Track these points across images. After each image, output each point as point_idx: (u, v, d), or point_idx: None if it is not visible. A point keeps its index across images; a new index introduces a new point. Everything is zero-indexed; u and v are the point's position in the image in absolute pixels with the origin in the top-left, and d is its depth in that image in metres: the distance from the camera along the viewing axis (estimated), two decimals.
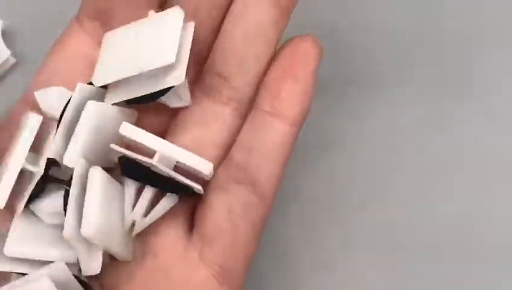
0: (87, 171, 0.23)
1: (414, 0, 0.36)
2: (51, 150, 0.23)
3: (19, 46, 0.37)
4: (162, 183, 0.23)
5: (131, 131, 0.23)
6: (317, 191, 0.34)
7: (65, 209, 0.22)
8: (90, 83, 0.25)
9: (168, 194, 0.24)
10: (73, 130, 0.23)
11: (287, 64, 0.26)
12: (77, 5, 0.29)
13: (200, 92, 0.27)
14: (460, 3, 0.36)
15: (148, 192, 0.23)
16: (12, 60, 0.36)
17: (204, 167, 0.23)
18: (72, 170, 0.23)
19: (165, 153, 0.23)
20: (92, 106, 0.23)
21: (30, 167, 0.24)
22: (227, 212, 0.25)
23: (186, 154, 0.23)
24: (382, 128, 0.35)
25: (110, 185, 0.23)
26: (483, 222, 0.33)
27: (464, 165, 0.34)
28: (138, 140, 0.23)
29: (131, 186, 0.23)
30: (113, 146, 0.23)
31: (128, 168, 0.23)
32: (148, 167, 0.23)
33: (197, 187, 0.23)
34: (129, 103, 0.25)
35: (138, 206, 0.23)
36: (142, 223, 0.23)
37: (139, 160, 0.23)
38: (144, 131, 0.23)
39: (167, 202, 0.24)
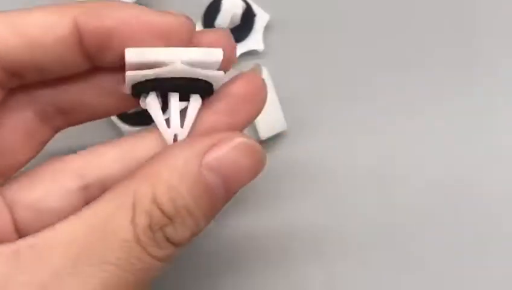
0: None
1: None
2: None
3: None
4: (184, 88, 0.23)
5: (137, 54, 0.22)
6: None
7: None
8: None
9: (191, 98, 0.23)
10: None
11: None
12: None
13: None
14: None
15: (175, 102, 0.23)
16: None
17: (214, 55, 0.23)
18: None
19: (184, 59, 0.23)
20: None
21: None
22: None
23: (199, 52, 0.23)
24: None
25: None
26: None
27: None
28: (149, 59, 0.22)
29: (175, 100, 0.23)
30: (128, 73, 0.23)
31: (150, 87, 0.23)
32: (161, 78, 0.23)
33: (218, 74, 0.23)
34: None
35: (174, 117, 0.23)
36: (183, 132, 0.23)
37: (159, 75, 0.23)
38: (149, 48, 0.23)
39: (194, 105, 0.23)
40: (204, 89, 0.23)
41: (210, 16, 0.34)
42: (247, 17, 0.34)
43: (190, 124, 0.23)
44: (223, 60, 0.23)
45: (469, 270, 0.33)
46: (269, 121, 0.32)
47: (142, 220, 0.21)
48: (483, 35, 0.36)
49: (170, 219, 0.21)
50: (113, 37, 0.22)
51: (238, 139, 0.22)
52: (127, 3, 0.23)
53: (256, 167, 0.23)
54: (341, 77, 0.35)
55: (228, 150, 0.22)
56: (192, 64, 0.23)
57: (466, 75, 0.36)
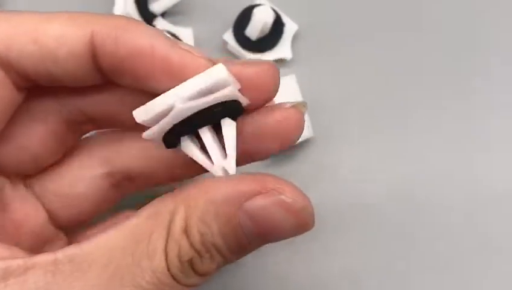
0: None
1: None
2: None
3: (10, 9, 0.36)
4: (211, 118, 0.22)
5: (145, 112, 0.21)
6: None
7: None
8: None
9: (222, 124, 0.22)
10: None
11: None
12: None
13: None
14: None
15: (206, 137, 0.22)
16: None
17: (215, 75, 0.21)
18: None
19: (184, 96, 0.21)
20: None
21: None
22: None
23: (196, 81, 0.21)
24: None
25: None
26: None
27: None
28: (156, 112, 0.21)
29: (206, 135, 0.22)
30: (145, 136, 0.22)
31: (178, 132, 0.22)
32: (189, 116, 0.21)
33: (243, 99, 0.22)
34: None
35: (212, 152, 0.22)
36: (229, 164, 0.22)
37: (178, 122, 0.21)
38: (151, 101, 0.21)
39: (228, 130, 0.22)
40: (229, 109, 0.22)
41: (241, 25, 0.35)
42: (277, 27, 0.35)
43: (233, 152, 0.22)
44: (264, 92, 0.22)
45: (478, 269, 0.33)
46: None
47: (173, 250, 0.21)
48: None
49: (198, 252, 0.21)
50: (125, 65, 0.22)
51: (282, 197, 0.21)
52: (148, 27, 0.22)
53: (300, 227, 0.21)
54: (367, 85, 0.36)
55: (269, 204, 0.21)
56: (199, 95, 0.21)
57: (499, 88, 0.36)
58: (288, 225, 0.21)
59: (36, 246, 0.25)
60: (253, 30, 0.34)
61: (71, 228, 0.27)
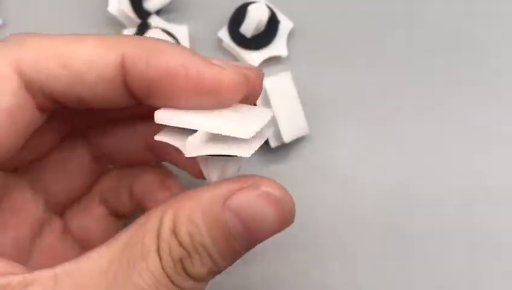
0: None
1: None
2: None
3: (6, 7, 0.36)
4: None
5: (162, 117, 0.21)
6: None
7: None
8: None
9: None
10: None
11: None
12: None
13: None
14: None
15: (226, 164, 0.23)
16: None
17: (241, 132, 0.21)
18: None
19: (210, 132, 0.21)
20: None
21: None
22: None
23: (221, 127, 0.21)
24: None
25: None
26: None
27: None
28: (177, 124, 0.22)
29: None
30: (157, 138, 0.22)
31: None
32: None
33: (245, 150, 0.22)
34: None
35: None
36: None
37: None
38: (179, 111, 0.22)
39: (234, 164, 0.23)
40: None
41: (236, 22, 0.35)
42: (272, 24, 0.35)
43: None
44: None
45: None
46: (292, 125, 0.33)
47: (164, 250, 0.21)
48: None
49: (188, 252, 0.21)
50: (157, 87, 0.22)
51: (264, 189, 0.21)
52: (178, 46, 0.22)
53: (281, 220, 0.22)
54: (363, 82, 0.36)
55: (251, 197, 0.21)
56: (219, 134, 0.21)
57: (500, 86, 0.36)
58: (271, 217, 0.21)
59: (33, 234, 0.26)
60: (248, 27, 0.34)
61: (65, 206, 0.27)
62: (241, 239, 0.21)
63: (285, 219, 0.22)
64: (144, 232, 0.21)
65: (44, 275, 0.21)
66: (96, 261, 0.21)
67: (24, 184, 0.26)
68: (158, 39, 0.23)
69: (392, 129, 0.35)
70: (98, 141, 0.27)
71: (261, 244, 0.22)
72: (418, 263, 0.33)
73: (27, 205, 0.26)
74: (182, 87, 0.22)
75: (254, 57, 0.35)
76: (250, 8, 0.34)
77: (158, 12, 0.35)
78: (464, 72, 0.36)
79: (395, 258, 0.33)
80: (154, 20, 0.34)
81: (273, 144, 0.33)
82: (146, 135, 0.27)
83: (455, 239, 0.33)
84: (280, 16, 0.35)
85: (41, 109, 0.23)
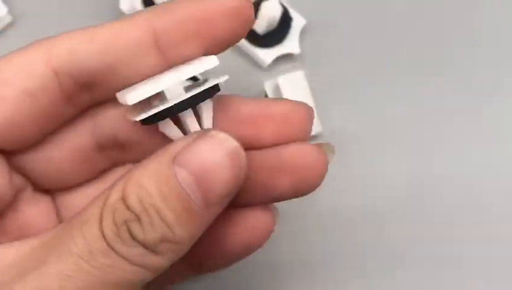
0: None
1: None
2: None
3: (17, 4, 0.35)
4: (195, 102, 0.22)
5: (135, 95, 0.21)
6: None
7: None
8: None
9: (202, 107, 0.23)
10: None
11: None
12: None
13: None
14: None
15: (190, 117, 0.22)
16: (9, 18, 0.35)
17: (210, 64, 0.22)
18: None
19: (172, 85, 0.22)
20: None
21: None
22: None
23: (188, 69, 0.22)
24: None
25: None
26: None
27: None
28: (145, 96, 0.22)
29: (189, 117, 0.22)
30: (132, 118, 0.22)
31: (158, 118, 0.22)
32: (173, 105, 0.22)
33: (221, 80, 0.22)
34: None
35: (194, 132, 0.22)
36: None
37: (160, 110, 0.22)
38: (141, 83, 0.22)
39: (207, 112, 0.23)
40: (210, 91, 0.22)
41: None
42: (284, 21, 0.35)
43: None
44: (301, 132, 0.22)
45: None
46: None
47: (107, 215, 0.20)
48: None
49: (136, 215, 0.20)
50: (190, 32, 0.22)
51: (210, 133, 0.21)
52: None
53: (233, 167, 0.20)
54: (377, 80, 0.35)
55: (200, 147, 0.20)
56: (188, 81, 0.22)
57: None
58: (223, 165, 0.20)
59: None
60: (261, 25, 0.34)
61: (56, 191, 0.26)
62: (195, 194, 0.20)
63: (239, 167, 0.21)
64: (91, 203, 0.21)
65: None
66: (41, 235, 0.21)
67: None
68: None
69: (406, 129, 0.35)
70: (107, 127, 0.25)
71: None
72: (436, 264, 0.33)
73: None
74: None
75: (266, 55, 0.34)
76: (262, 5, 0.33)
77: None
78: (480, 69, 0.36)
79: (405, 258, 0.33)
80: None
81: None
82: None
83: (471, 239, 0.33)
84: (292, 13, 0.35)
85: (68, 97, 0.22)
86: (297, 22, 0.35)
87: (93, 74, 0.22)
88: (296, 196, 0.23)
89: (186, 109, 0.22)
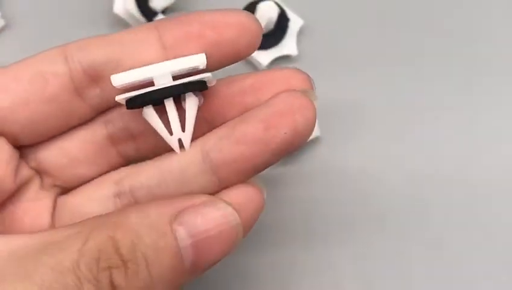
0: None
1: None
2: None
3: (10, 8, 0.35)
4: (178, 91, 0.23)
5: (120, 77, 0.23)
6: None
7: None
8: None
9: (186, 98, 0.23)
10: None
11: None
12: None
13: None
14: None
15: (171, 107, 0.23)
16: (2, 22, 0.34)
17: (197, 61, 0.23)
18: None
19: (159, 73, 0.23)
20: None
21: None
22: None
23: (177, 62, 0.23)
24: None
25: None
26: None
27: None
28: (132, 81, 0.23)
29: (170, 106, 0.23)
30: (118, 98, 0.23)
31: (141, 101, 0.23)
32: (156, 90, 0.23)
33: (207, 76, 0.23)
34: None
35: (173, 123, 0.23)
36: (185, 137, 0.24)
37: (144, 92, 0.23)
38: (131, 70, 0.23)
39: (190, 105, 0.23)
40: (195, 85, 0.23)
41: None
42: (281, 22, 0.34)
43: (191, 127, 0.23)
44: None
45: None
46: None
47: (91, 251, 0.19)
48: None
49: (124, 262, 0.19)
50: (194, 32, 0.23)
51: (219, 205, 0.21)
52: None
53: (230, 242, 0.21)
54: (375, 82, 0.35)
55: (205, 213, 0.21)
56: (178, 73, 0.23)
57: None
58: (223, 242, 0.21)
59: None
60: None
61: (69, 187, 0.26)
62: (188, 256, 0.20)
63: (235, 242, 0.21)
64: (69, 232, 0.20)
65: None
66: (25, 237, 0.20)
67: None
68: None
69: (405, 130, 0.34)
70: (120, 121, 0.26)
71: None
72: (434, 262, 0.32)
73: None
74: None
75: (263, 56, 0.34)
76: (259, 6, 0.33)
77: (164, 11, 0.34)
78: (481, 71, 0.35)
79: (409, 258, 0.32)
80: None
81: None
82: None
83: (469, 236, 0.33)
84: (290, 14, 0.35)
85: (79, 91, 0.23)
86: (295, 23, 0.35)
87: (101, 64, 0.23)
88: (294, 145, 0.23)
89: (168, 98, 0.23)
